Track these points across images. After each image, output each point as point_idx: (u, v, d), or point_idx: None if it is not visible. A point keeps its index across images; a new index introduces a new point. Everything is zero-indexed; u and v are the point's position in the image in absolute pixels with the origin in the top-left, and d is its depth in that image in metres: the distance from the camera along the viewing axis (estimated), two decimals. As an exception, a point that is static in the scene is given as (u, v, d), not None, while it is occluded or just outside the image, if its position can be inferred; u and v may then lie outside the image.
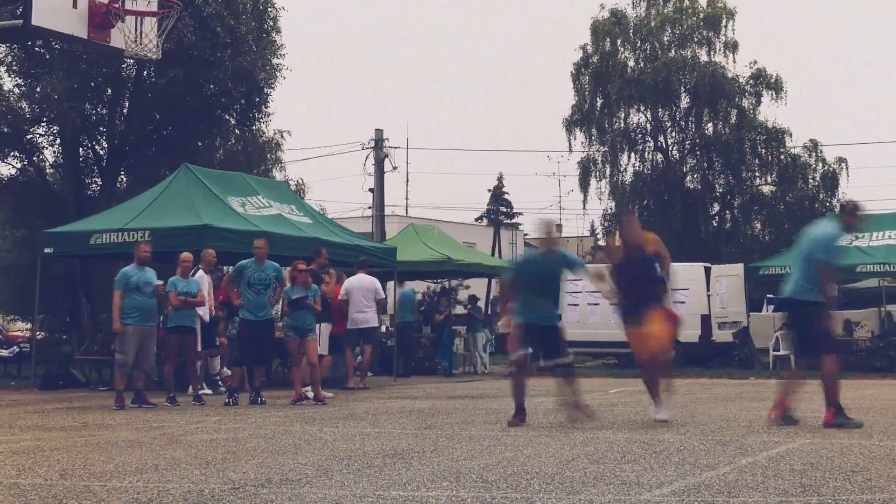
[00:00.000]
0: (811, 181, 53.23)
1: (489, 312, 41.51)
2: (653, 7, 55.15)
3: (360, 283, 24.24)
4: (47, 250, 25.89)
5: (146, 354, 19.76)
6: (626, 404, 18.96)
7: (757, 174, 54.21)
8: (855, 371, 31.08)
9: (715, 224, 54.47)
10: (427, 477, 9.36)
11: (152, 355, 20.14)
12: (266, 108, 37.72)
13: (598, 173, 55.08)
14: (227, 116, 37.12)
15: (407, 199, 70.10)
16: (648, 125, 55.09)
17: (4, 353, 32.22)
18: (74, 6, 14.65)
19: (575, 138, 55.16)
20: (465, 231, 68.48)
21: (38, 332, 31.89)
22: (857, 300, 39.03)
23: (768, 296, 39.32)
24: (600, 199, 55.74)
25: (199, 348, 21.52)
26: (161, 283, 19.95)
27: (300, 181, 43.59)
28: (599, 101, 54.50)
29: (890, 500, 7.92)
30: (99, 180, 37.04)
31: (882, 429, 13.52)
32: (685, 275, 37.52)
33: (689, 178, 54.53)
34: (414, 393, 21.31)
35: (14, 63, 35.88)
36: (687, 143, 54.77)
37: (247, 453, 11.32)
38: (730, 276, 37.13)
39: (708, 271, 37.69)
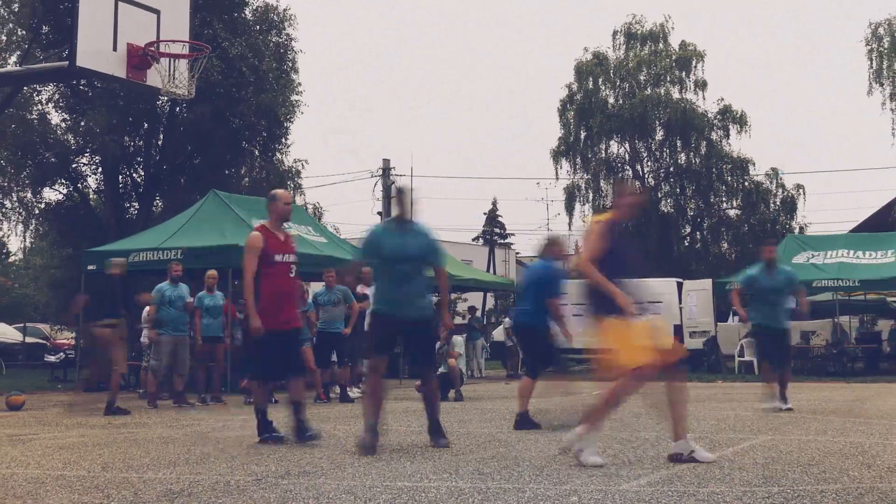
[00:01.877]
0: (772, 205, 53.27)
1: (485, 322, 41.57)
2: (630, 50, 55.18)
3: None
4: (90, 267, 25.93)
5: (180, 360, 19.93)
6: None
7: (724, 199, 54.23)
8: (811, 375, 31.20)
9: (686, 244, 54.48)
10: (430, 469, 9.36)
11: (185, 360, 20.27)
12: (286, 140, 37.85)
13: (581, 198, 55.13)
14: (251, 148, 37.19)
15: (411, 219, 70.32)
16: (627, 155, 55.12)
17: (52, 358, 32.24)
18: (114, 49, 14.68)
19: (561, 167, 55.29)
20: (463, 250, 68.41)
21: (81, 341, 31.91)
22: (813, 312, 39.00)
23: (732, 308, 39.35)
24: (584, 221, 55.79)
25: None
26: (191, 300, 20.07)
27: (317, 205, 43.63)
28: (583, 134, 54.53)
29: (842, 490, 7.92)
30: (137, 205, 37.10)
31: (836, 427, 13.52)
32: (660, 289, 37.65)
33: (663, 202, 54.53)
34: (417, 394, 21.27)
35: (61, 100, 35.98)
36: (661, 171, 54.77)
37: (268, 448, 11.32)
38: (699, 290, 37.16)
39: (680, 286, 37.77)
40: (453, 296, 43.63)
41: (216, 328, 20.90)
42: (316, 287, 23.02)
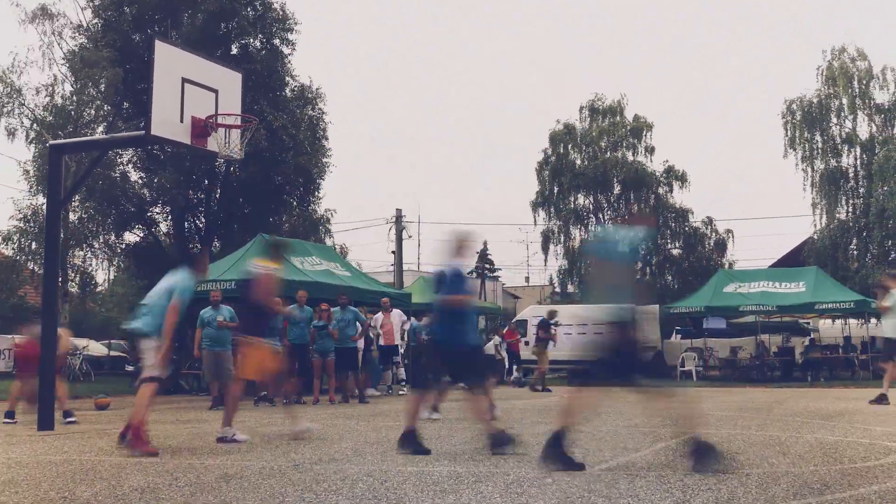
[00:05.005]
0: (707, 246, 53.35)
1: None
2: (594, 122, 55.31)
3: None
4: (162, 295, 25.91)
5: (221, 370, 19.53)
6: (575, 405, 18.91)
7: (668, 241, 54.26)
8: (738, 382, 31.20)
9: (638, 277, 54.44)
10: (433, 457, 9.37)
11: (228, 371, 20.00)
12: (318, 193, 37.86)
13: (554, 240, 55.17)
14: (290, 200, 37.22)
15: (419, 258, 70.09)
16: (591, 206, 55.14)
17: (131, 368, 32.15)
18: (181, 121, 14.70)
19: (539, 215, 55.39)
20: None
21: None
22: (740, 331, 39.23)
23: (676, 327, 39.38)
24: (556, 258, 55.88)
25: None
26: (222, 318, 19.81)
27: (343, 245, 43.57)
28: (556, 189, 54.62)
29: (763, 474, 7.93)
30: (199, 245, 37.12)
31: (758, 423, 13.53)
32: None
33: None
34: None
35: (138, 161, 36.06)
36: (618, 219, 54.77)
37: (304, 440, 11.33)
38: (649, 314, 37.22)
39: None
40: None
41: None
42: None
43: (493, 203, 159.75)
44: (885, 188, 43.06)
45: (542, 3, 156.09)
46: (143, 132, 14.88)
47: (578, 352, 37.91)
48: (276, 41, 37.18)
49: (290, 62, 37.41)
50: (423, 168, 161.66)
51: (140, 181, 36.71)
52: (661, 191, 54.07)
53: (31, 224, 34.90)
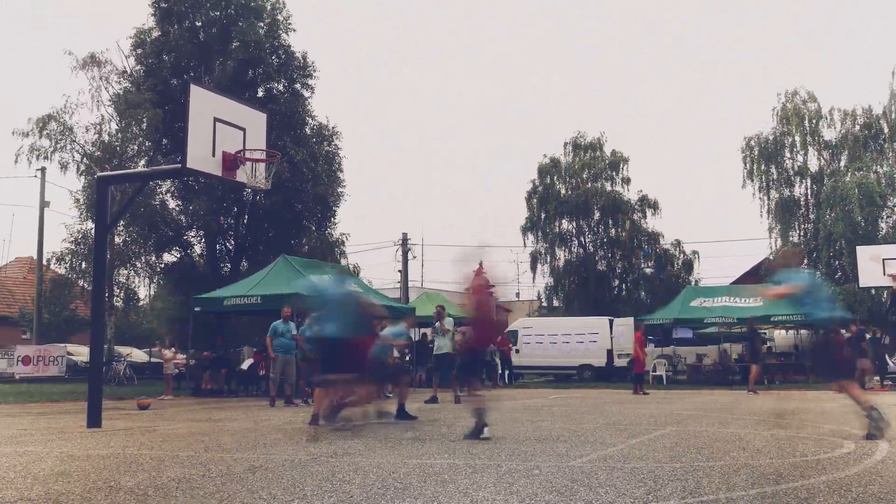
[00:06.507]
0: (676, 266, 53.29)
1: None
2: (576, 156, 55.30)
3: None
4: (196, 309, 25.95)
5: (289, 373, 20.15)
6: (561, 406, 18.91)
7: (642, 262, 54.26)
8: (704, 385, 31.17)
9: (615, 293, 54.38)
10: (434, 451, 9.37)
11: (292, 374, 20.37)
12: (334, 219, 37.96)
13: (542, 261, 55.15)
14: (309, 225, 37.31)
15: (422, 276, 70.01)
16: (573, 230, 55.14)
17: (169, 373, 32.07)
18: (213, 155, 14.73)
19: (528, 238, 55.37)
20: (459, 297, 68.41)
21: (190, 360, 31.85)
22: (705, 340, 39.23)
23: (649, 337, 39.39)
24: (543, 276, 55.84)
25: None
26: (295, 332, 20.20)
27: (356, 265, 43.58)
28: (543, 215, 54.60)
29: (725, 466, 7.93)
30: (229, 265, 37.16)
31: (720, 421, 13.51)
32: (597, 324, 37.83)
33: (599, 264, 54.44)
34: (425, 398, 21.22)
35: (176, 191, 36.19)
36: (598, 241, 54.76)
37: (321, 436, 11.33)
38: (625, 325, 37.19)
39: (611, 322, 37.87)
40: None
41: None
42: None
43: (488, 227, 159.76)
44: (832, 215, 43.32)
45: (531, 48, 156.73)
46: (180, 165, 14.89)
47: (553, 359, 38.04)
48: (298, 86, 37.40)
49: (309, 104, 37.64)
50: (426, 196, 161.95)
51: (177, 208, 36.83)
52: (635, 217, 54.04)
53: (81, 246, 34.96)
